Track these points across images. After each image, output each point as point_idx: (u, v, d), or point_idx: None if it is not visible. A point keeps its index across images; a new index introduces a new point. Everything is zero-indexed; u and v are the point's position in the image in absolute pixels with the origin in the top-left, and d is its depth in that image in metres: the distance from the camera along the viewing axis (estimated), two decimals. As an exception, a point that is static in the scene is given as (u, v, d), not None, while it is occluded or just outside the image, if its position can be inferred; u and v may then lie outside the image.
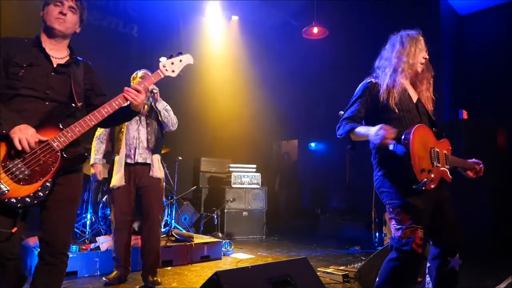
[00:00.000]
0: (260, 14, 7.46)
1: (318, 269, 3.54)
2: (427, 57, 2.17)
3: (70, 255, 3.35)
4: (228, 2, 7.25)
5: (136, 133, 3.19)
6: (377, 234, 5.10)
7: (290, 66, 7.57)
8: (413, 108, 2.12)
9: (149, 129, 3.22)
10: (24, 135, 1.63)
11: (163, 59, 2.04)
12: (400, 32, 2.20)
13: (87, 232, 4.40)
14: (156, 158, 3.24)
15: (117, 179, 3.08)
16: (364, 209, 5.53)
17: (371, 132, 1.90)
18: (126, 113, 2.03)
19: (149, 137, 3.20)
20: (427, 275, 2.12)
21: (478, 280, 3.53)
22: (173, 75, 2.05)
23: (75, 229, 4.65)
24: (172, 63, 2.04)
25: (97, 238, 3.84)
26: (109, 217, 3.65)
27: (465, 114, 5.44)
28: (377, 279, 2.05)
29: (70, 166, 1.80)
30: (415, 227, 1.91)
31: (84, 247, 3.67)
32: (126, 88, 1.90)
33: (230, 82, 7.40)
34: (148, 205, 3.18)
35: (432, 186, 1.94)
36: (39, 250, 1.85)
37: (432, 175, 1.94)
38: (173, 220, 4.90)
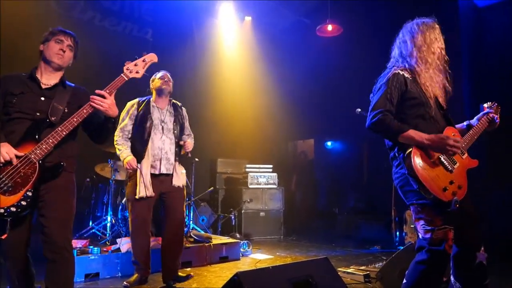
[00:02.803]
0: (273, 14, 7.44)
1: (339, 269, 3.49)
2: (443, 46, 2.07)
3: (92, 257, 3.45)
4: (240, 3, 7.26)
5: (161, 143, 3.14)
6: (397, 233, 5.01)
7: (304, 65, 7.52)
8: (433, 101, 2.03)
9: (172, 140, 3.20)
10: (1, 154, 1.84)
11: (127, 62, 2.16)
12: (415, 20, 2.11)
13: (107, 234, 4.46)
14: (179, 167, 3.24)
15: (142, 190, 3.01)
16: (383, 208, 5.44)
17: (431, 142, 1.83)
18: (102, 120, 2.13)
19: (176, 150, 3.20)
20: (452, 277, 2.03)
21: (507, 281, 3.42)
22: (138, 76, 2.16)
23: (96, 232, 4.74)
24: (136, 65, 2.16)
25: (117, 240, 3.90)
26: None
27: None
28: (404, 281, 1.98)
29: (49, 174, 1.96)
30: (448, 228, 1.82)
31: (105, 249, 3.72)
32: (91, 96, 2.02)
33: (245, 83, 7.40)
34: (172, 210, 3.17)
35: (466, 190, 1.87)
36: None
37: (457, 182, 1.85)
38: (191, 221, 4.93)
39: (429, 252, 1.86)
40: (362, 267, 3.58)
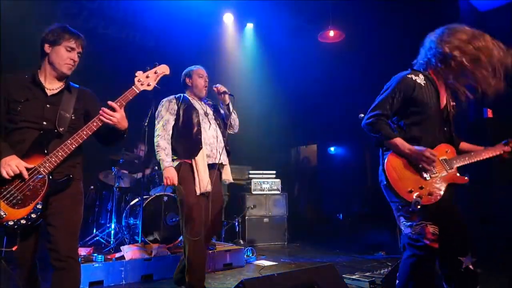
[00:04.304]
0: (275, 20, 7.48)
1: (343, 275, 3.47)
2: (464, 56, 2.03)
3: (96, 265, 3.45)
4: (242, 10, 7.30)
5: (214, 132, 2.95)
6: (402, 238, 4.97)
7: (306, 71, 7.54)
8: (438, 111, 2.09)
9: (221, 130, 3.01)
10: (11, 168, 1.80)
11: (138, 73, 2.06)
12: (445, 27, 2.11)
13: (111, 242, 4.46)
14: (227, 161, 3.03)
15: (206, 183, 2.73)
16: (387, 213, 5.38)
17: (413, 152, 1.93)
18: (113, 132, 2.08)
19: (225, 138, 3.01)
20: (444, 284, 2.03)
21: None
22: (149, 88, 2.07)
23: (100, 239, 4.74)
24: (147, 77, 2.07)
25: (121, 248, 3.89)
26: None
27: (489, 113, 5.27)
28: (397, 282, 2.02)
29: (58, 188, 1.94)
30: (424, 223, 1.91)
31: (109, 257, 3.72)
32: (102, 108, 1.95)
33: (247, 89, 7.41)
34: (212, 214, 2.84)
35: (437, 198, 1.92)
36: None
37: (427, 189, 1.92)
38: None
39: (411, 246, 1.96)
40: (367, 274, 3.56)
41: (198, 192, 2.73)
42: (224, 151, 2.98)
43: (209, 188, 2.75)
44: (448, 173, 2.01)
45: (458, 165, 2.05)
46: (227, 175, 3.00)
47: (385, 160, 2.00)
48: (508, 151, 2.19)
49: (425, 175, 1.95)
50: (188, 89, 3.11)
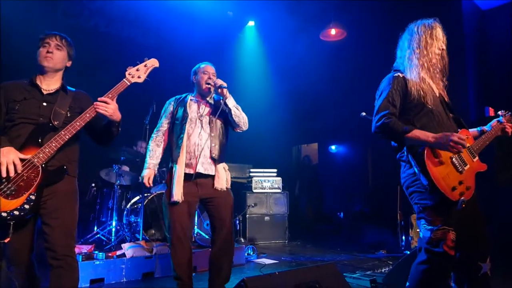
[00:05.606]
0: (276, 18, 7.47)
1: (344, 274, 3.46)
2: (444, 47, 2.10)
3: (97, 262, 3.45)
4: (243, 8, 7.28)
5: (198, 139, 2.75)
6: (403, 237, 4.98)
7: (308, 69, 7.54)
8: (438, 101, 2.07)
9: (212, 134, 2.79)
10: (6, 159, 1.84)
11: (129, 68, 2.15)
12: (417, 21, 2.14)
13: (112, 240, 4.46)
14: (221, 167, 2.80)
15: (177, 193, 2.65)
16: (389, 212, 5.41)
17: (436, 139, 1.83)
18: (109, 126, 2.15)
19: (213, 145, 2.76)
20: (453, 284, 2.02)
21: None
22: (140, 80, 2.16)
23: (101, 237, 4.74)
24: (137, 70, 2.17)
25: (122, 245, 3.89)
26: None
27: (491, 112, 5.25)
28: (407, 284, 1.98)
29: (52, 178, 1.97)
30: (446, 229, 1.84)
31: (110, 254, 3.72)
32: (95, 102, 2.04)
33: (248, 87, 7.41)
34: (219, 218, 2.75)
35: (473, 191, 1.89)
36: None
37: (465, 183, 1.88)
38: (195, 226, 4.92)
39: (428, 252, 1.87)
40: (368, 272, 3.55)
41: (171, 199, 2.67)
42: (208, 160, 2.74)
43: (178, 198, 2.64)
44: (474, 161, 1.98)
45: (479, 151, 2.04)
46: (219, 183, 2.76)
47: (424, 159, 1.85)
48: (504, 125, 2.24)
49: (460, 168, 1.89)
50: (194, 87, 3.00)
